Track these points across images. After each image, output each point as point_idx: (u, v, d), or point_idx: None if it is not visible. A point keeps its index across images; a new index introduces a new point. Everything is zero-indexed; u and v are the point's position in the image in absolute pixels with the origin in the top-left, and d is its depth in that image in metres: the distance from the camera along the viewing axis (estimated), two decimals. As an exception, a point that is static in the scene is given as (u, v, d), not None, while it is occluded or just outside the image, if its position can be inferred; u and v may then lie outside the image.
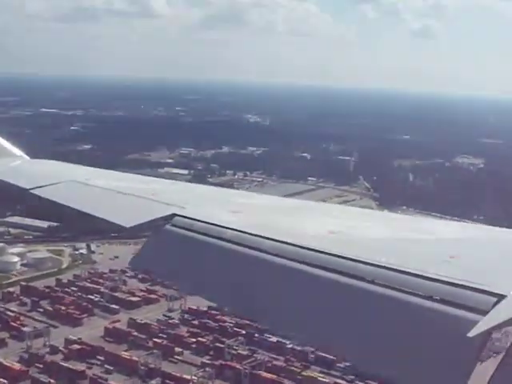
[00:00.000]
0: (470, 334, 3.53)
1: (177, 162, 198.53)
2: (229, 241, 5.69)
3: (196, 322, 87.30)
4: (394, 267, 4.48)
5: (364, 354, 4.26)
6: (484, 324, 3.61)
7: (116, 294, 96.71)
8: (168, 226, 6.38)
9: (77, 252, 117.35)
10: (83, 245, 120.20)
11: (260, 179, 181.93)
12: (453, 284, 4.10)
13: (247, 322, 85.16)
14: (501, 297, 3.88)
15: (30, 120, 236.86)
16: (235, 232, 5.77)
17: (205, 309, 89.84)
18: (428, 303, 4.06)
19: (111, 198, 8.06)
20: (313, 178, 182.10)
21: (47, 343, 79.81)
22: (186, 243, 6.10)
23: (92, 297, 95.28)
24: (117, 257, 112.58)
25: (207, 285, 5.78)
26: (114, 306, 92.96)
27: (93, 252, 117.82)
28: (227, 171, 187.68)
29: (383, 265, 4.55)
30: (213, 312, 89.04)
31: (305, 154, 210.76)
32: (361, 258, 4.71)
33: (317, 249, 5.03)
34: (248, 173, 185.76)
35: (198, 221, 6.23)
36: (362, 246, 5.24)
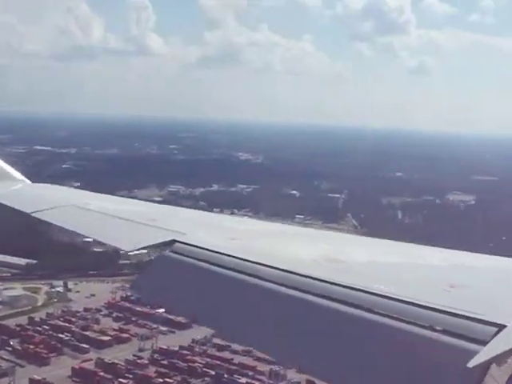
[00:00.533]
0: (470, 365, 3.52)
1: (165, 199, 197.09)
2: (229, 268, 5.66)
3: (165, 362, 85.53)
4: (392, 296, 4.44)
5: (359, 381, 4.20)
6: (484, 354, 3.60)
7: (87, 333, 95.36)
8: (168, 253, 6.37)
9: (53, 290, 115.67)
10: (61, 282, 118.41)
11: (246, 217, 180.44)
12: (452, 314, 4.08)
13: (218, 362, 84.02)
14: (501, 327, 3.87)
15: (22, 157, 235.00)
16: (235, 259, 5.76)
17: (176, 348, 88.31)
18: (427, 333, 4.02)
19: (111, 223, 8.11)
20: (300, 216, 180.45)
21: (12, 383, 78.32)
22: (187, 270, 6.11)
23: (62, 336, 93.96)
24: (93, 295, 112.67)
25: (208, 313, 5.67)
26: (84, 345, 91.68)
27: (69, 290, 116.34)
28: (214, 209, 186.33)
29: (381, 293, 4.51)
30: (183, 352, 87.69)
31: (294, 192, 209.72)
32: (359, 286, 4.67)
33: (314, 276, 5.00)
34: (235, 210, 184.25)
35: (199, 247, 6.25)
36: (360, 273, 5.21)
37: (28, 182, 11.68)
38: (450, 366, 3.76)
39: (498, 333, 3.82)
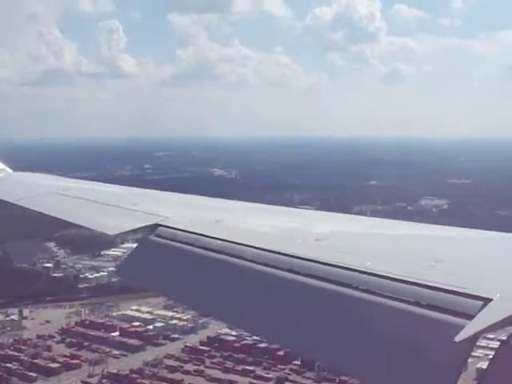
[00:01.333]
0: (457, 339, 3.55)
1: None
2: (214, 250, 5.68)
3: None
4: (376, 272, 4.46)
5: (350, 361, 4.22)
6: (471, 328, 3.64)
7: (36, 361, 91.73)
8: (152, 237, 6.39)
9: (7, 318, 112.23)
10: (16, 310, 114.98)
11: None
12: (438, 289, 4.09)
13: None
14: (487, 300, 3.88)
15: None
16: (220, 241, 5.75)
17: (126, 372, 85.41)
18: (413, 308, 4.05)
19: (94, 208, 8.15)
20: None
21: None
22: (172, 254, 6.14)
23: (10, 365, 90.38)
24: (48, 321, 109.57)
25: (194, 295, 5.70)
26: (32, 373, 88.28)
27: (25, 317, 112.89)
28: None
29: (365, 270, 4.53)
30: (133, 375, 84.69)
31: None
32: (343, 264, 4.71)
33: (303, 256, 5.01)
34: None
35: (182, 231, 6.24)
36: (344, 251, 5.16)
37: (9, 170, 11.68)
38: (437, 340, 3.74)
39: (484, 306, 3.81)
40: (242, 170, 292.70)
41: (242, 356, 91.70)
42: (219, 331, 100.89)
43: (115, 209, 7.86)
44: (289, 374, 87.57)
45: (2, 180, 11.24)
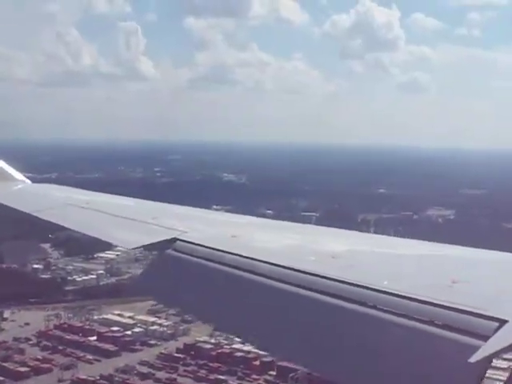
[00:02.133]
0: (472, 360, 3.55)
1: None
2: (230, 265, 5.67)
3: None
4: (394, 292, 4.49)
5: (366, 381, 4.20)
6: (486, 349, 3.63)
7: (5, 365, 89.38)
8: (170, 251, 6.41)
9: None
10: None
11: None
12: (454, 309, 4.12)
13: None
14: (503, 322, 3.90)
15: None
16: (237, 257, 5.75)
17: (95, 379, 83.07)
18: (429, 328, 4.07)
19: (112, 221, 8.15)
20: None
21: None
22: (189, 268, 6.15)
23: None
24: (28, 324, 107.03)
25: (210, 310, 5.74)
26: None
27: (5, 319, 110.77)
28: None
29: (383, 289, 4.56)
30: (102, 382, 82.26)
31: (269, 211, 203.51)
32: (361, 283, 4.72)
33: (318, 273, 5.04)
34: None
35: (200, 245, 6.28)
36: (362, 269, 5.21)
37: (29, 182, 11.80)
38: (452, 361, 3.74)
39: (499, 328, 3.82)
40: (252, 175, 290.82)
41: (217, 365, 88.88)
42: (198, 338, 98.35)
43: (134, 223, 7.86)
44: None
45: (22, 191, 11.29)
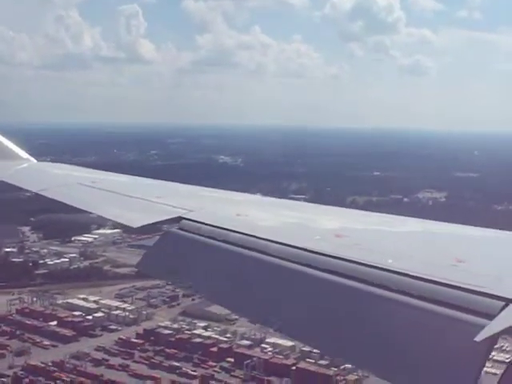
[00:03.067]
0: (478, 339, 3.56)
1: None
2: (236, 244, 5.64)
3: (27, 380, 77.81)
4: (400, 270, 4.47)
5: (371, 359, 4.22)
6: (491, 328, 3.65)
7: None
8: (175, 229, 6.42)
9: None
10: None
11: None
12: (460, 288, 4.11)
13: (83, 379, 76.91)
14: (508, 301, 3.91)
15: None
16: (242, 235, 5.71)
17: (44, 365, 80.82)
18: (435, 307, 4.06)
19: (117, 200, 8.13)
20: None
21: None
22: (194, 247, 6.10)
23: None
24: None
25: (215, 288, 5.72)
26: None
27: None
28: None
29: (388, 268, 4.54)
30: (51, 369, 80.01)
31: (257, 194, 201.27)
32: (366, 261, 4.71)
33: (325, 252, 5.03)
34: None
35: (205, 224, 6.24)
36: (367, 248, 5.18)
37: (34, 160, 11.84)
38: (457, 339, 3.75)
39: (505, 307, 3.82)
40: (248, 157, 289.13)
41: (173, 351, 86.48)
42: (160, 324, 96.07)
43: (139, 201, 7.77)
44: (218, 371, 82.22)
45: (27, 170, 11.18)
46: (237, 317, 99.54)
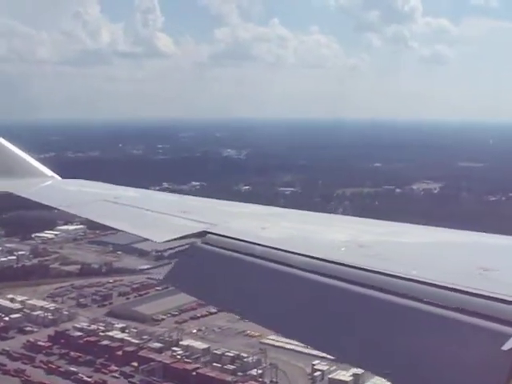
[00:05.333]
0: (505, 347, 3.58)
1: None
2: (261, 257, 5.65)
3: None
4: (426, 280, 4.47)
5: (397, 370, 4.19)
6: None
7: None
8: (200, 244, 6.45)
9: None
10: None
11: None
12: (486, 297, 4.10)
13: None
14: None
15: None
16: (267, 249, 5.75)
17: None
18: (462, 317, 4.05)
19: (142, 215, 8.19)
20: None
21: None
22: (220, 261, 6.10)
23: None
24: None
25: (242, 303, 5.66)
26: None
27: None
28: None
29: (414, 278, 4.55)
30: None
31: (246, 187, 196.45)
32: (392, 272, 4.73)
33: (346, 263, 5.05)
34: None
35: (231, 238, 6.28)
36: (392, 259, 5.20)
37: (58, 178, 11.87)
38: (485, 348, 3.72)
39: None
40: (253, 150, 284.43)
41: (78, 355, 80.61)
42: (76, 325, 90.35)
43: (163, 216, 7.87)
44: (117, 377, 76.02)
45: (51, 187, 11.30)
46: (164, 317, 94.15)
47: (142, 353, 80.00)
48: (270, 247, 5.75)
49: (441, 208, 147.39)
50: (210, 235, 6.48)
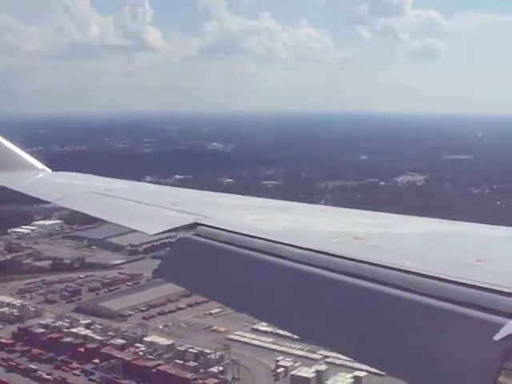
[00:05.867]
0: (497, 338, 3.59)
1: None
2: (253, 249, 5.62)
3: None
4: (420, 271, 4.47)
5: (391, 360, 4.22)
6: (510, 327, 3.69)
7: None
8: (191, 236, 6.41)
9: None
10: None
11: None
12: (480, 288, 4.11)
13: None
14: None
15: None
16: (260, 240, 5.70)
17: None
18: (454, 307, 4.06)
19: (132, 208, 8.19)
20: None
21: None
22: (211, 253, 6.08)
23: None
24: None
25: (233, 294, 5.64)
26: None
27: None
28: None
29: (408, 269, 4.54)
30: None
31: (230, 180, 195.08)
32: (386, 263, 4.71)
33: (343, 255, 5.02)
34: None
35: (222, 230, 6.24)
36: (386, 250, 5.21)
37: (49, 170, 11.84)
38: (477, 339, 3.76)
39: None
40: (239, 144, 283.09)
41: (39, 352, 79.03)
42: (41, 321, 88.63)
43: (154, 208, 7.85)
44: (78, 374, 74.48)
45: (42, 180, 11.24)
46: (131, 312, 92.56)
47: (104, 350, 78.26)
48: (263, 239, 5.66)
49: (423, 200, 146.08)
50: (201, 227, 6.43)
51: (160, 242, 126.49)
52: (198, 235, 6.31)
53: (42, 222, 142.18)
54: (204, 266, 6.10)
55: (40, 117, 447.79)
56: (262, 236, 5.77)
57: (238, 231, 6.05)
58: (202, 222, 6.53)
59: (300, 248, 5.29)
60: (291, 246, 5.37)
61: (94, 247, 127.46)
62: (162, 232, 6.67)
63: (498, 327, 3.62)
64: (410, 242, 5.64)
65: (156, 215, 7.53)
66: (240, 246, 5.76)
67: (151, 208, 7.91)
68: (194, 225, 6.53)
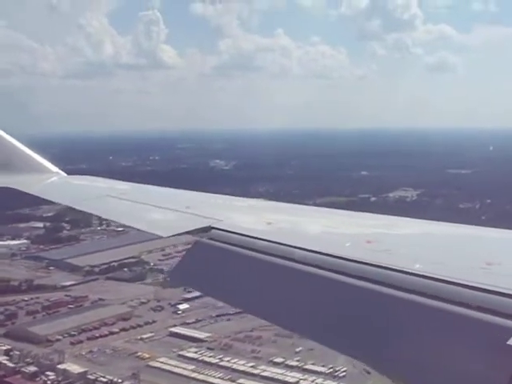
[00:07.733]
0: (510, 342, 3.60)
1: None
2: (267, 253, 5.61)
3: None
4: (429, 275, 4.46)
5: (402, 365, 4.20)
6: None
7: None
8: (206, 239, 6.44)
9: None
10: None
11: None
12: (491, 291, 4.09)
13: None
14: None
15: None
16: (273, 244, 5.72)
17: None
18: (466, 311, 4.04)
19: (147, 211, 8.20)
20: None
21: None
22: (225, 256, 6.09)
23: None
24: None
25: (247, 298, 5.63)
26: None
27: None
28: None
29: (418, 273, 4.54)
30: None
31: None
32: (396, 267, 4.71)
33: (353, 258, 5.02)
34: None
35: (236, 233, 6.26)
36: (396, 253, 5.15)
37: (63, 174, 11.81)
38: (490, 343, 3.73)
39: None
40: (243, 161, 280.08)
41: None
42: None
43: (169, 212, 7.83)
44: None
45: (57, 183, 11.23)
46: (59, 337, 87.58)
47: (10, 379, 73.01)
48: (276, 242, 5.62)
49: (405, 215, 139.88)
50: (215, 230, 6.40)
51: (118, 263, 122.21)
52: (211, 239, 6.28)
53: (7, 243, 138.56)
54: (218, 269, 6.08)
55: (53, 136, 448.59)
56: (273, 239, 5.69)
57: (251, 235, 5.98)
58: (216, 226, 6.48)
59: (313, 252, 5.19)
60: (304, 249, 5.29)
61: (51, 268, 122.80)
62: (176, 235, 6.63)
63: (510, 331, 3.58)
64: (420, 246, 5.48)
65: (171, 218, 7.47)
66: (254, 250, 5.69)
67: (166, 211, 7.87)
68: (208, 228, 6.49)
